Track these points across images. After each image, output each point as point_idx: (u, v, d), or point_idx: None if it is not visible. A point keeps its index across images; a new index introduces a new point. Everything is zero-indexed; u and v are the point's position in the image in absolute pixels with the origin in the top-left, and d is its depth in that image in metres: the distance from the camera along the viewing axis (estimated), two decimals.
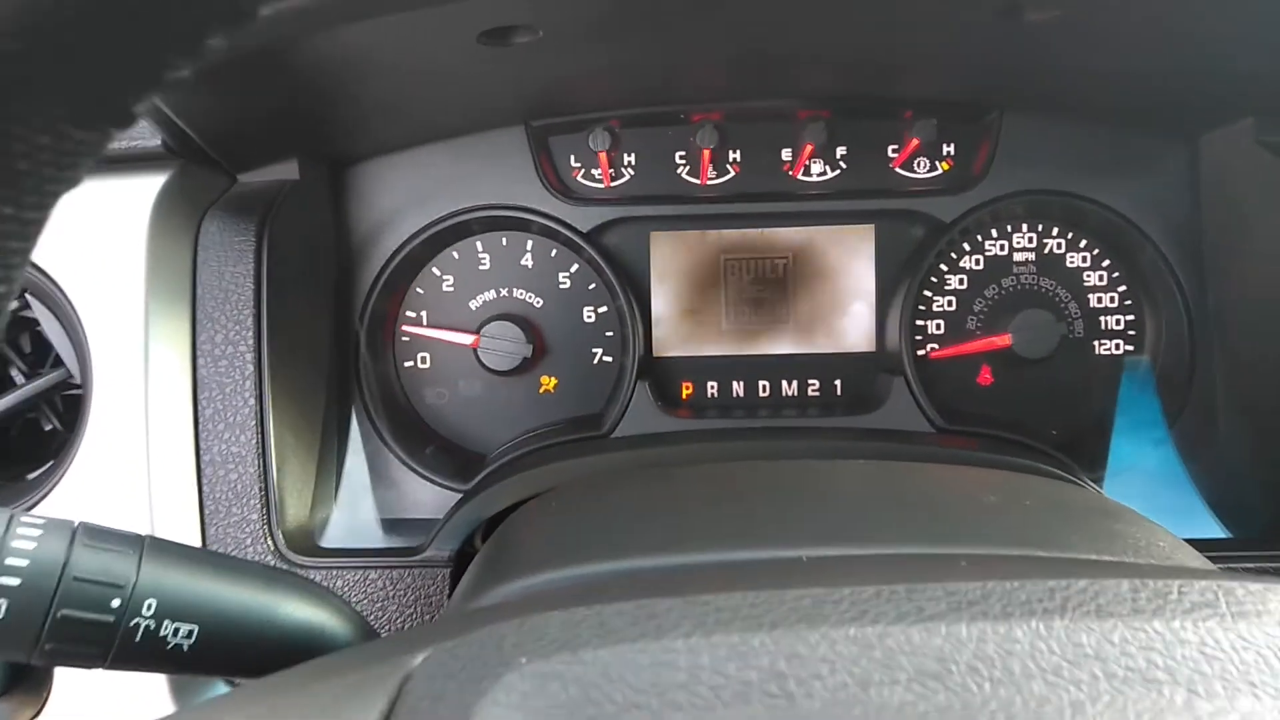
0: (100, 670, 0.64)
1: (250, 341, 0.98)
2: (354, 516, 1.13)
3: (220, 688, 0.97)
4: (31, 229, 0.34)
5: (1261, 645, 0.44)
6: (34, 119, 0.31)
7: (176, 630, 0.64)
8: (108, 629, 0.62)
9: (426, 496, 1.19)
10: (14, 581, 0.59)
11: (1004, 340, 1.19)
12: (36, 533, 0.61)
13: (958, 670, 0.43)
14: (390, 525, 1.16)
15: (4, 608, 0.59)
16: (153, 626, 0.63)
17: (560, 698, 0.43)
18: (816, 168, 1.23)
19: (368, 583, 0.97)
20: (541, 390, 1.24)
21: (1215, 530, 1.10)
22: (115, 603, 0.62)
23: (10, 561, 0.59)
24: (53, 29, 0.29)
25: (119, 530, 0.65)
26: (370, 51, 0.86)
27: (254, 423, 0.97)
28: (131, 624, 0.62)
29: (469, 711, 0.43)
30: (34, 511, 0.70)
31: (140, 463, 0.94)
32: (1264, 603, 0.47)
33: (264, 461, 0.97)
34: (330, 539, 1.06)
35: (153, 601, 0.63)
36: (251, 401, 0.97)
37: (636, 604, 0.50)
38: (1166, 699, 0.41)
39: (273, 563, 0.96)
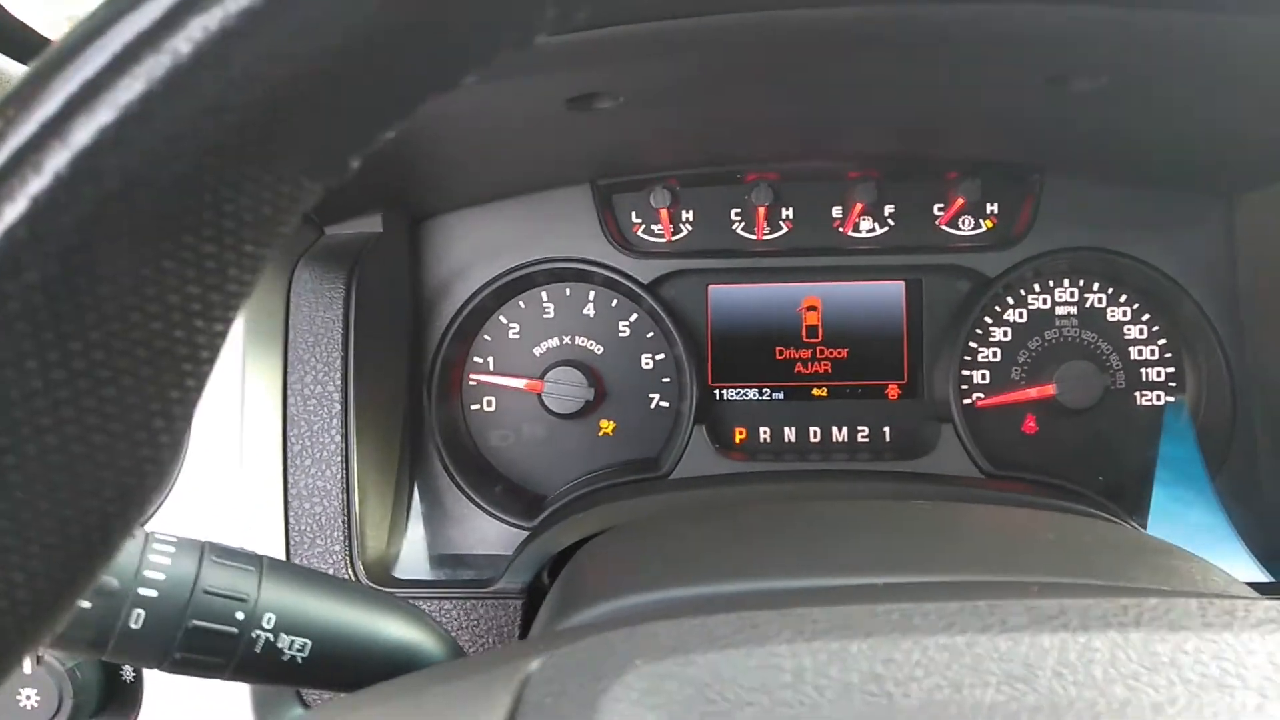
0: (219, 681, 0.69)
1: (338, 382, 1.04)
2: (425, 550, 1.18)
3: (296, 710, 1.01)
4: (261, 264, 0.40)
5: None
6: (283, 172, 0.37)
7: (292, 644, 0.68)
8: (232, 640, 0.66)
9: (490, 533, 1.24)
10: (152, 594, 0.64)
11: (1048, 390, 1.23)
12: (171, 549, 0.66)
13: (1044, 675, 0.47)
14: (459, 559, 1.21)
15: (142, 617, 0.64)
16: (271, 639, 0.68)
17: (677, 696, 0.47)
18: (866, 225, 1.29)
19: (443, 612, 1.01)
20: (601, 433, 1.29)
21: (1262, 578, 1.13)
22: (240, 615, 0.67)
23: (149, 574, 0.64)
24: (309, 100, 0.35)
25: (240, 549, 0.70)
26: (466, 115, 0.93)
27: (339, 459, 1.03)
28: (253, 635, 0.67)
29: (594, 707, 0.46)
30: None
31: (234, 493, 1.00)
32: None
33: (347, 496, 1.02)
34: (404, 570, 1.11)
35: (272, 616, 0.68)
36: (338, 439, 1.03)
37: (739, 615, 0.54)
38: (1239, 702, 0.45)
39: None
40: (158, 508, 1.01)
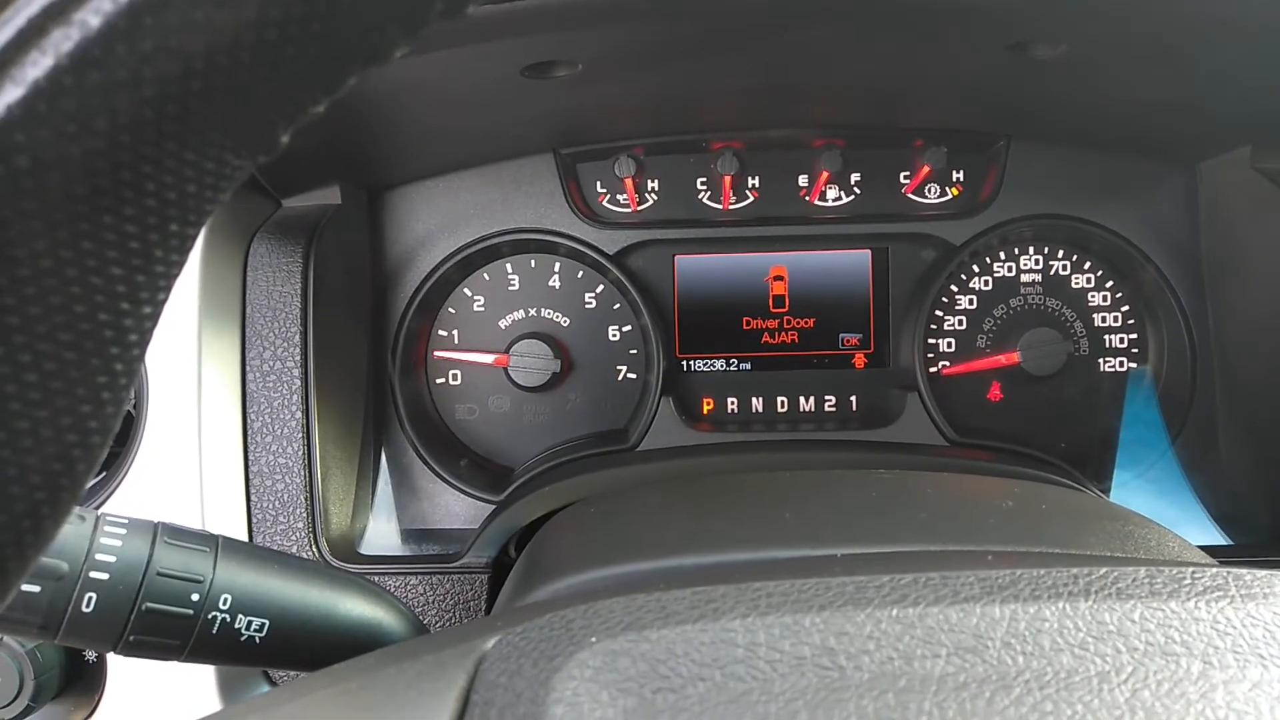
0: (175, 662, 0.68)
1: (297, 358, 1.03)
2: (391, 525, 1.18)
3: (263, 688, 1.01)
4: (188, 243, 0.39)
5: (1269, 622, 0.48)
6: (206, 149, 0.36)
7: (249, 624, 0.68)
8: (188, 621, 0.66)
9: (459, 507, 1.23)
10: (103, 576, 0.63)
11: (1013, 358, 1.24)
12: (122, 531, 0.65)
13: (993, 645, 0.47)
14: (424, 534, 1.21)
15: (94, 600, 0.63)
16: (228, 620, 0.67)
17: (630, 672, 0.47)
18: (832, 193, 1.28)
19: (408, 588, 1.01)
20: (568, 406, 1.28)
21: (1218, 539, 1.15)
22: (195, 597, 0.66)
23: (100, 557, 0.64)
24: (227, 74, 0.34)
25: (195, 529, 0.69)
26: (421, 83, 0.91)
27: (300, 435, 1.02)
28: (209, 617, 0.66)
29: (547, 685, 0.46)
30: None
31: (192, 473, 0.98)
32: (1269, 586, 0.52)
33: (309, 472, 1.02)
34: (369, 546, 1.10)
35: (228, 596, 0.67)
36: (298, 415, 1.02)
37: (693, 591, 0.54)
38: (1184, 669, 0.45)
39: None
40: (114, 489, 0.99)
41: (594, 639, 0.50)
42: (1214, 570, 0.53)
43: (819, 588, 0.53)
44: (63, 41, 0.31)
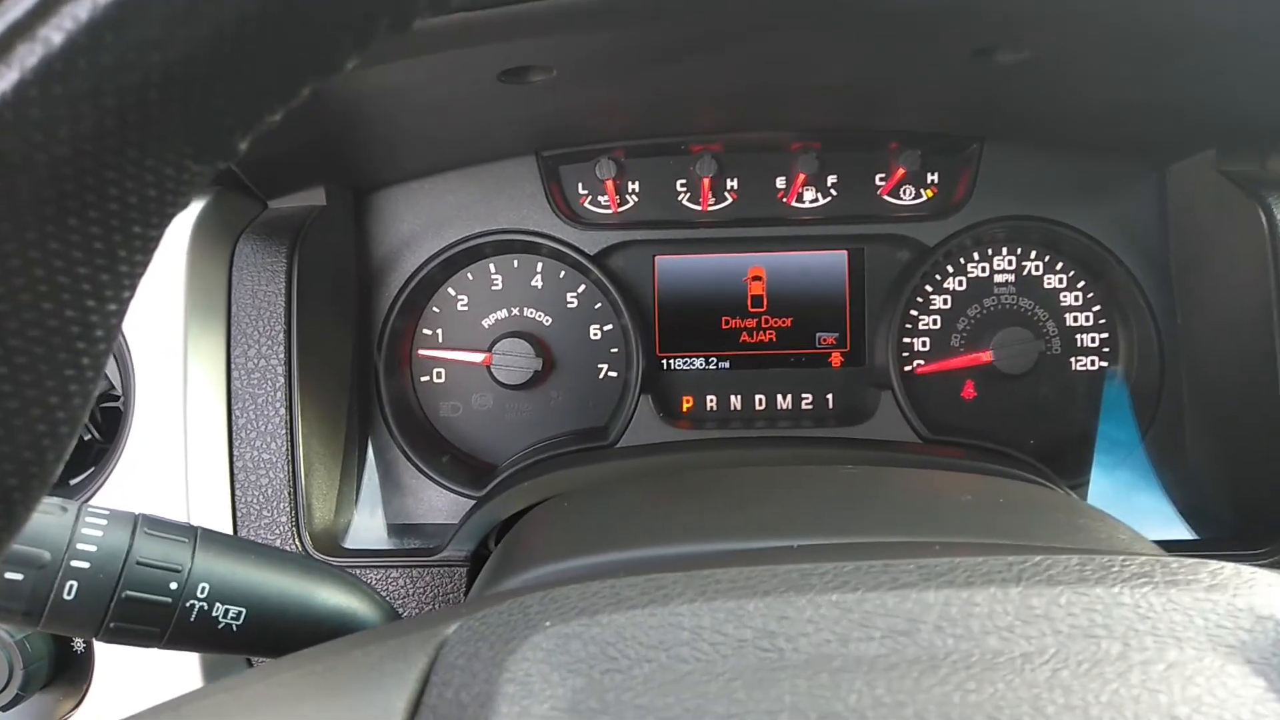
0: (155, 650, 0.70)
1: (281, 356, 1.05)
2: (373, 520, 1.20)
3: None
4: (151, 245, 0.41)
5: (1188, 607, 0.50)
6: (166, 155, 0.38)
7: (226, 612, 0.70)
8: (166, 609, 0.68)
9: (441, 503, 1.26)
10: (84, 565, 0.66)
11: (986, 357, 1.26)
12: (103, 521, 0.68)
13: (925, 629, 0.50)
14: (407, 529, 1.23)
15: (75, 589, 0.65)
16: (206, 608, 0.69)
17: (581, 654, 0.49)
18: (809, 195, 1.31)
19: (389, 581, 1.04)
20: (550, 404, 1.31)
21: (1185, 533, 1.17)
22: (173, 585, 0.68)
23: (81, 547, 0.66)
24: (183, 86, 0.36)
25: (175, 520, 0.72)
26: (399, 88, 0.94)
27: (284, 432, 1.04)
28: (187, 605, 0.69)
29: (501, 666, 0.49)
30: None
31: (178, 469, 1.01)
32: (1193, 574, 0.54)
33: (293, 468, 1.04)
34: (352, 541, 1.13)
35: (206, 585, 0.70)
36: (282, 411, 1.04)
37: (646, 578, 0.56)
38: (1104, 650, 0.48)
39: None
40: (101, 484, 1.02)
41: (548, 623, 0.52)
42: (1142, 558, 0.55)
43: (765, 574, 0.56)
44: (27, 56, 0.33)
